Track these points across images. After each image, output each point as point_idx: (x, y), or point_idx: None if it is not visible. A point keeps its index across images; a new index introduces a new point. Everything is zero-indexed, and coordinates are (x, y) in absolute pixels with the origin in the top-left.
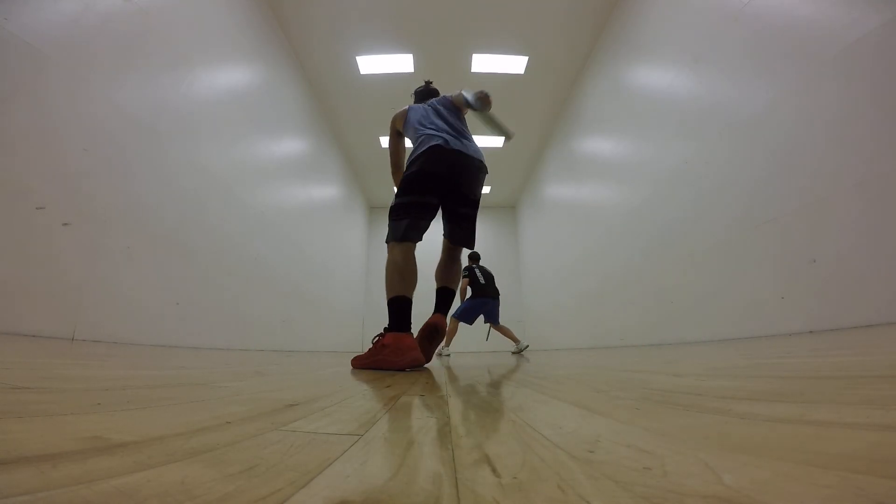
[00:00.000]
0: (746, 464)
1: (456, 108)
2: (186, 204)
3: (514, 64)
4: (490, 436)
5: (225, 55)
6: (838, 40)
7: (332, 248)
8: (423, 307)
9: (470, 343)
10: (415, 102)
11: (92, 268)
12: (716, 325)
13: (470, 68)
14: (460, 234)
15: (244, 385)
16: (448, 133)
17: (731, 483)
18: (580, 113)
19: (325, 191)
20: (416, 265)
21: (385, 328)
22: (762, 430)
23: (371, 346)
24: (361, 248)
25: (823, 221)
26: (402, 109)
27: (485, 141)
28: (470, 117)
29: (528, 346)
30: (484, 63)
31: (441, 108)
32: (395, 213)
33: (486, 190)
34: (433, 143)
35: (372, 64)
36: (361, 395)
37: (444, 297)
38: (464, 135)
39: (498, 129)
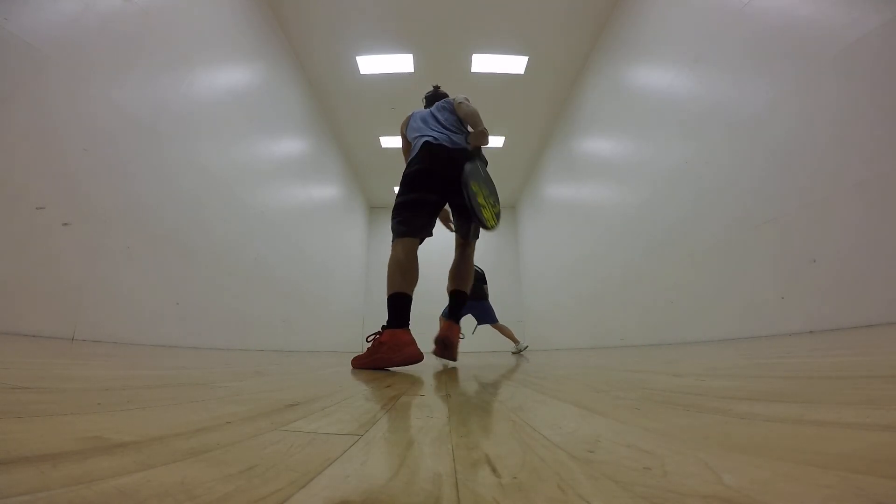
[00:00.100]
0: (746, 464)
1: (445, 106)
2: (186, 204)
3: (514, 64)
4: (490, 436)
5: (225, 55)
6: (838, 40)
7: (332, 248)
8: (423, 307)
9: (470, 343)
10: (424, 107)
11: (92, 268)
12: (716, 325)
13: (470, 68)
14: (467, 227)
15: (244, 385)
16: (438, 131)
17: (731, 483)
18: (580, 113)
19: (325, 191)
20: (417, 262)
21: (383, 326)
22: (762, 430)
23: (369, 345)
24: (361, 248)
25: (824, 221)
26: (406, 115)
27: None
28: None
29: (527, 346)
30: (484, 63)
31: (436, 112)
32: (396, 210)
33: None
34: (423, 141)
35: (372, 64)
36: (361, 395)
37: (455, 301)
38: (456, 131)
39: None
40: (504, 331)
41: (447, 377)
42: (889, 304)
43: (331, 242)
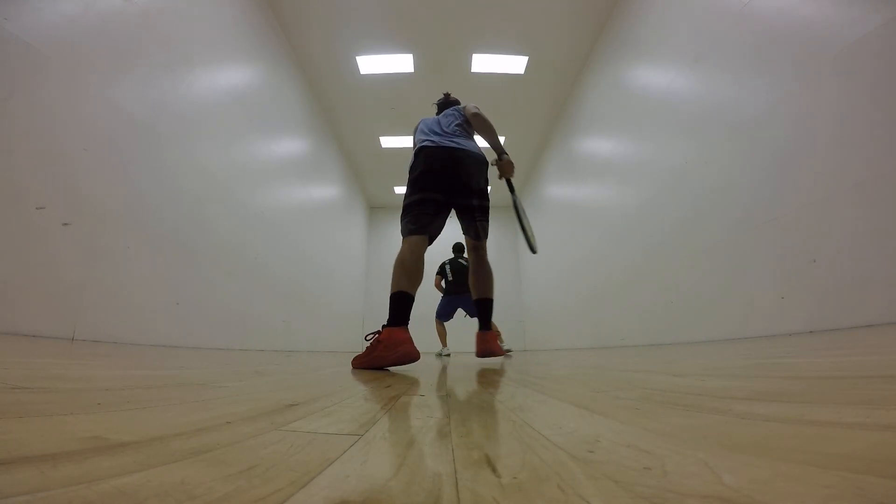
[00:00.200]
0: (746, 464)
1: (461, 116)
2: (186, 204)
3: (514, 64)
4: (490, 436)
5: (225, 55)
6: (838, 40)
7: (332, 248)
8: (420, 308)
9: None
10: (436, 114)
11: (92, 268)
12: (716, 325)
13: (470, 68)
14: (474, 226)
15: (244, 385)
16: (437, 135)
17: (731, 483)
18: (580, 113)
19: (325, 191)
20: (422, 263)
21: (383, 325)
22: (762, 430)
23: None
24: (361, 248)
25: (824, 221)
26: (417, 124)
27: (483, 141)
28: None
29: (510, 350)
30: (484, 63)
31: (442, 119)
32: (404, 212)
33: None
34: (422, 146)
35: (372, 64)
36: (361, 395)
37: (482, 309)
38: (455, 135)
39: (526, 229)
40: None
41: (447, 377)
42: (889, 304)
43: (331, 242)
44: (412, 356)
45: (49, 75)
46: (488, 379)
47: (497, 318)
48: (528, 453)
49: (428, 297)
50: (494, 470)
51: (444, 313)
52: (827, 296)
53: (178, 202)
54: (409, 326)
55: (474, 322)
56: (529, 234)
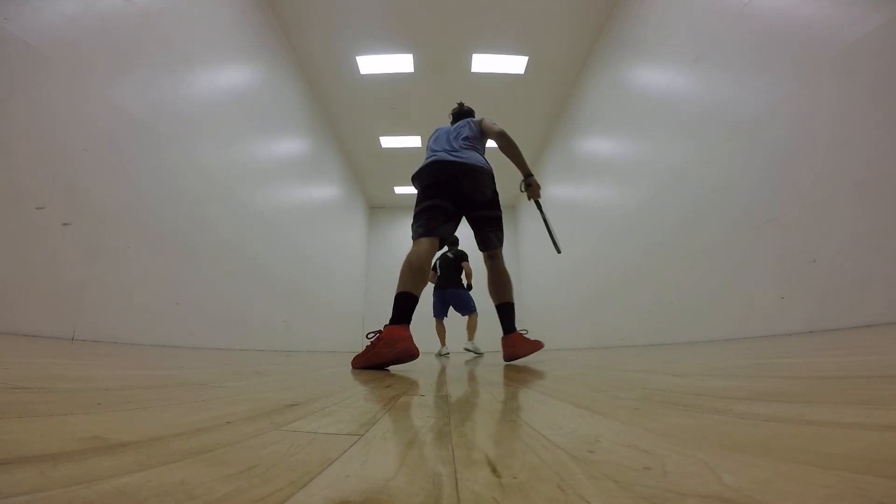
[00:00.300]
0: (746, 464)
1: (472, 128)
2: (186, 204)
3: (514, 64)
4: (490, 436)
5: (225, 55)
6: (838, 40)
7: (331, 248)
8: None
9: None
10: (451, 123)
11: (92, 268)
12: (716, 325)
13: (470, 68)
14: (485, 238)
15: (244, 385)
16: (444, 151)
17: (731, 483)
18: (580, 113)
19: (325, 191)
20: (429, 265)
21: (385, 325)
22: (762, 430)
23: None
24: (361, 248)
25: (824, 221)
26: (432, 133)
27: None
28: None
29: (482, 354)
30: (484, 63)
31: (452, 132)
32: (414, 218)
33: None
34: (428, 161)
35: (372, 64)
36: (361, 395)
37: (502, 314)
38: (461, 150)
39: (552, 234)
40: (472, 327)
41: (447, 377)
42: (889, 304)
43: (331, 242)
44: (411, 353)
45: (49, 75)
46: (488, 379)
47: (496, 317)
48: (528, 453)
49: (429, 297)
50: (494, 470)
51: (437, 311)
52: (827, 296)
53: (178, 202)
54: (409, 326)
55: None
56: (555, 239)
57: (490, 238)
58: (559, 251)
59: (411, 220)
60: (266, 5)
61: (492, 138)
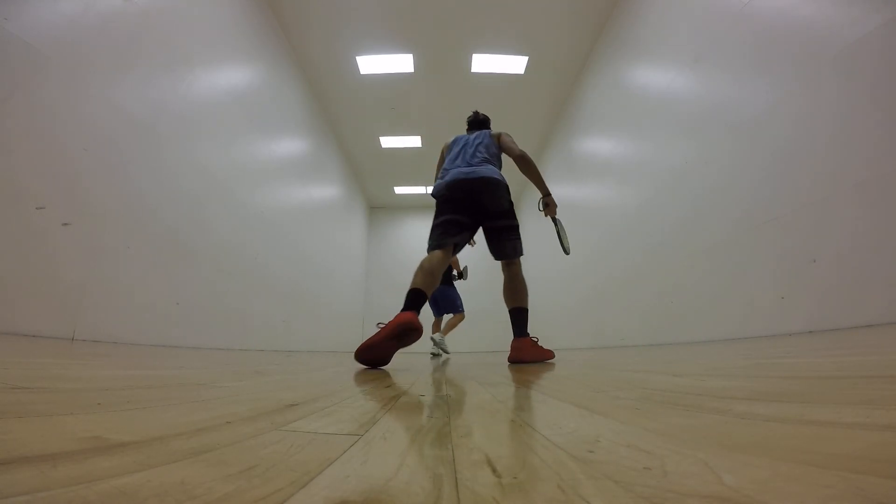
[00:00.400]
0: (746, 464)
1: (487, 139)
2: (186, 204)
3: (514, 64)
4: (490, 436)
5: (225, 55)
6: (838, 40)
7: (331, 248)
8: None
9: (469, 343)
10: (467, 130)
11: (92, 268)
12: (716, 325)
13: (470, 68)
14: (500, 247)
15: (244, 385)
16: (459, 166)
17: (731, 483)
18: (580, 113)
19: (325, 191)
20: (440, 271)
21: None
22: (762, 430)
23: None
24: (361, 248)
25: (824, 221)
26: (448, 142)
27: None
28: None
29: (448, 357)
30: (484, 63)
31: (470, 146)
32: (430, 232)
33: None
34: (446, 178)
35: (372, 64)
36: (361, 395)
37: (513, 317)
38: (477, 165)
39: (561, 238)
40: (450, 325)
41: (447, 377)
42: (889, 304)
43: (331, 242)
44: (408, 322)
45: (49, 75)
46: (488, 379)
47: (497, 317)
48: (528, 453)
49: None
50: (494, 470)
51: (432, 310)
52: (827, 296)
53: (178, 202)
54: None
55: (472, 322)
56: (566, 246)
57: (505, 247)
58: (567, 253)
59: (414, 223)
60: (266, 5)
61: (512, 158)
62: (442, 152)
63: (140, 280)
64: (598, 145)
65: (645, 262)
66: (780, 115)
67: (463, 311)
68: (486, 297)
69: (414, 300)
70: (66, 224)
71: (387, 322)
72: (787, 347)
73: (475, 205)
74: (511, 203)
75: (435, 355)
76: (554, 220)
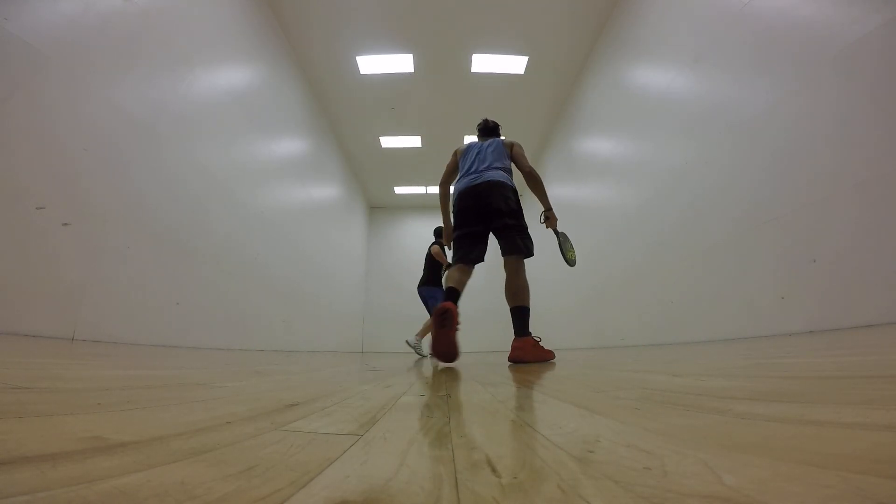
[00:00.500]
0: (746, 464)
1: (505, 154)
2: (186, 204)
3: (514, 64)
4: (490, 436)
5: (225, 55)
6: (838, 40)
7: (331, 248)
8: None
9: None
10: (478, 137)
11: (92, 268)
12: (716, 325)
13: (470, 68)
14: (504, 244)
15: (244, 385)
16: (470, 174)
17: (731, 483)
18: (580, 113)
19: (325, 191)
20: (467, 277)
21: None
22: (762, 430)
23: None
24: (361, 248)
25: (824, 221)
26: (461, 147)
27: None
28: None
29: (424, 356)
30: (484, 63)
31: (481, 155)
32: (453, 242)
33: None
34: (458, 188)
35: (372, 64)
36: (361, 395)
37: (513, 316)
38: (486, 171)
39: (564, 251)
40: (425, 327)
41: (447, 377)
42: (889, 304)
43: (331, 242)
44: (443, 306)
45: (49, 75)
46: (488, 379)
47: (497, 318)
48: (528, 453)
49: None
50: (494, 470)
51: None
52: (827, 296)
53: (178, 202)
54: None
55: (472, 322)
56: (567, 257)
57: (513, 243)
58: (571, 265)
59: (414, 223)
60: (266, 5)
61: (521, 171)
62: (455, 156)
63: (140, 280)
64: (598, 145)
65: (645, 263)
66: (780, 115)
67: None
68: (486, 298)
69: (449, 294)
70: (66, 224)
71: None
72: (787, 347)
73: (485, 207)
74: (518, 204)
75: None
76: (556, 232)
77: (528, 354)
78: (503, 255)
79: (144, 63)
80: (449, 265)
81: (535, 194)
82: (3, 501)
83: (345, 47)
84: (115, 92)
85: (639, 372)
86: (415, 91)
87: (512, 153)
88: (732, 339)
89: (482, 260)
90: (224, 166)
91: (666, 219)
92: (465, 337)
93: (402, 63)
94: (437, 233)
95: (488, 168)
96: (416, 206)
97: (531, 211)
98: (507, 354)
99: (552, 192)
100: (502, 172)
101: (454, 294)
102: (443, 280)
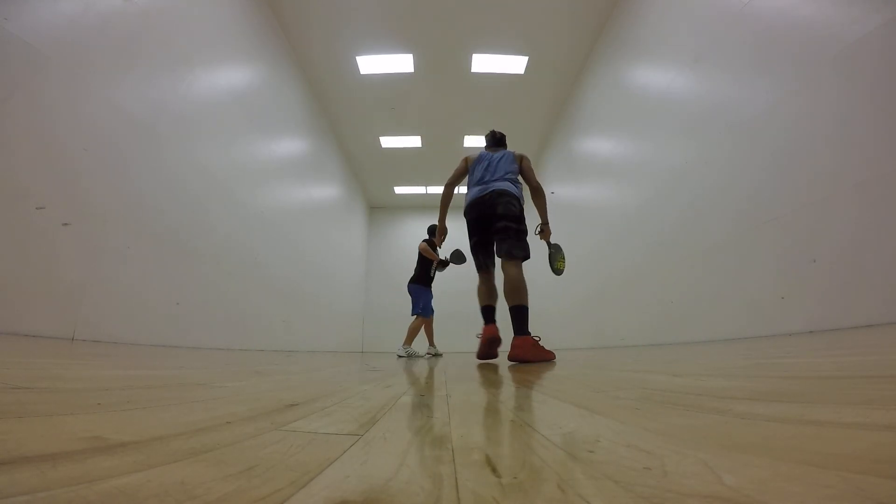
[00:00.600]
0: (746, 464)
1: (515, 168)
2: (186, 204)
3: (514, 64)
4: (490, 436)
5: (225, 55)
6: (838, 40)
7: (331, 249)
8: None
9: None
10: (486, 147)
11: (92, 268)
12: (716, 325)
13: (470, 68)
14: (502, 246)
15: (244, 385)
16: (479, 185)
17: (731, 483)
18: (580, 113)
19: (325, 191)
20: (491, 286)
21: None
22: (762, 430)
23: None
24: (361, 248)
25: (824, 221)
26: (472, 156)
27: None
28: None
29: (410, 354)
30: (484, 63)
31: (490, 167)
32: (470, 251)
33: None
34: (468, 199)
35: (372, 64)
36: (361, 395)
37: (514, 316)
38: (493, 181)
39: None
40: (410, 329)
41: (447, 377)
42: (889, 304)
43: (331, 242)
44: (493, 335)
45: (49, 75)
46: (488, 379)
47: (497, 319)
48: (528, 453)
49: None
50: (494, 470)
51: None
52: (827, 296)
53: (178, 202)
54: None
55: (472, 322)
56: (555, 267)
57: (506, 245)
58: (557, 274)
59: (414, 223)
60: (266, 5)
61: (528, 185)
62: (466, 162)
63: (140, 280)
64: (597, 145)
65: (645, 263)
66: (780, 115)
67: (420, 314)
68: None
69: (486, 314)
70: (66, 224)
71: (481, 332)
72: (787, 347)
73: (490, 215)
74: (522, 212)
75: (433, 355)
76: (548, 243)
77: (529, 353)
78: (499, 255)
79: (144, 63)
80: (439, 262)
81: (537, 208)
82: (4, 501)
83: (345, 47)
84: (115, 92)
85: (639, 372)
86: (415, 91)
87: (521, 166)
88: (732, 339)
89: (493, 267)
90: (224, 166)
91: (666, 219)
92: (466, 337)
93: (402, 63)
94: (431, 230)
95: (495, 179)
96: (416, 206)
97: (531, 222)
98: (507, 354)
99: (553, 192)
100: (509, 183)
101: (491, 312)
102: (433, 271)
